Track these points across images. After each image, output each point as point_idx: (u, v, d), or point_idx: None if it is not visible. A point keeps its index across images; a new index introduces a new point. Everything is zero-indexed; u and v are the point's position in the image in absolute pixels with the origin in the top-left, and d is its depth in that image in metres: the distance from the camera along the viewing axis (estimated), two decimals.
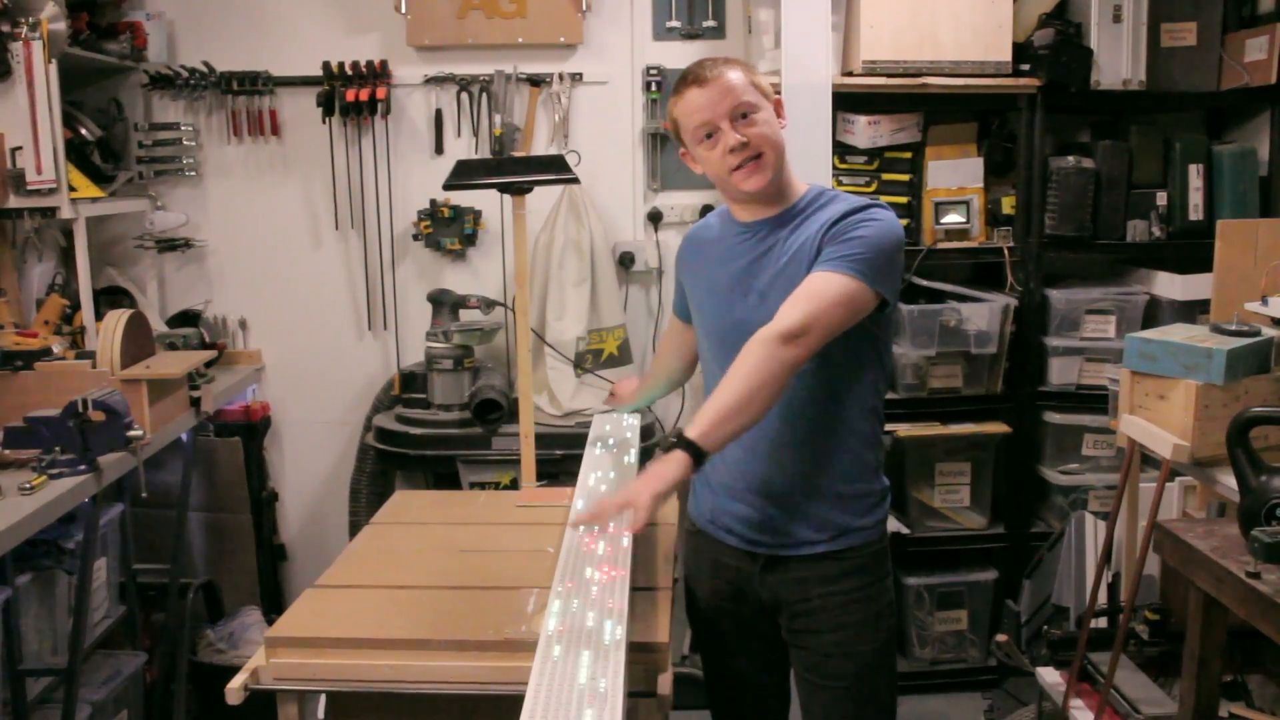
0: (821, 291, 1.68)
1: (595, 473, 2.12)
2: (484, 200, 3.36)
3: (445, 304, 3.26)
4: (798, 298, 1.69)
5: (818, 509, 1.84)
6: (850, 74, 3.10)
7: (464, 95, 3.39)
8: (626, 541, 1.71)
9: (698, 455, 1.62)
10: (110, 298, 3.28)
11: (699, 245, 1.98)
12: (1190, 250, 3.15)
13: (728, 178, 1.80)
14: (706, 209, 3.29)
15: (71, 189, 2.82)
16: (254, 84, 3.34)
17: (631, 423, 2.41)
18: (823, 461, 1.82)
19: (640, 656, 1.69)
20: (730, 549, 1.91)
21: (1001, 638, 3.02)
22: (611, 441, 2.30)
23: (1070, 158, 3.18)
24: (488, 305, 3.28)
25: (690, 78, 1.80)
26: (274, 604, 3.40)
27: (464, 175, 2.50)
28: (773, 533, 1.85)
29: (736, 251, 1.87)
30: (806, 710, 1.95)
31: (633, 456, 2.23)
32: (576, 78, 3.39)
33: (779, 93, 2.07)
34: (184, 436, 2.93)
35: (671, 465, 1.62)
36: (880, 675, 1.91)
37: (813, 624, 1.87)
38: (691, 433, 1.63)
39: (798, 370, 1.68)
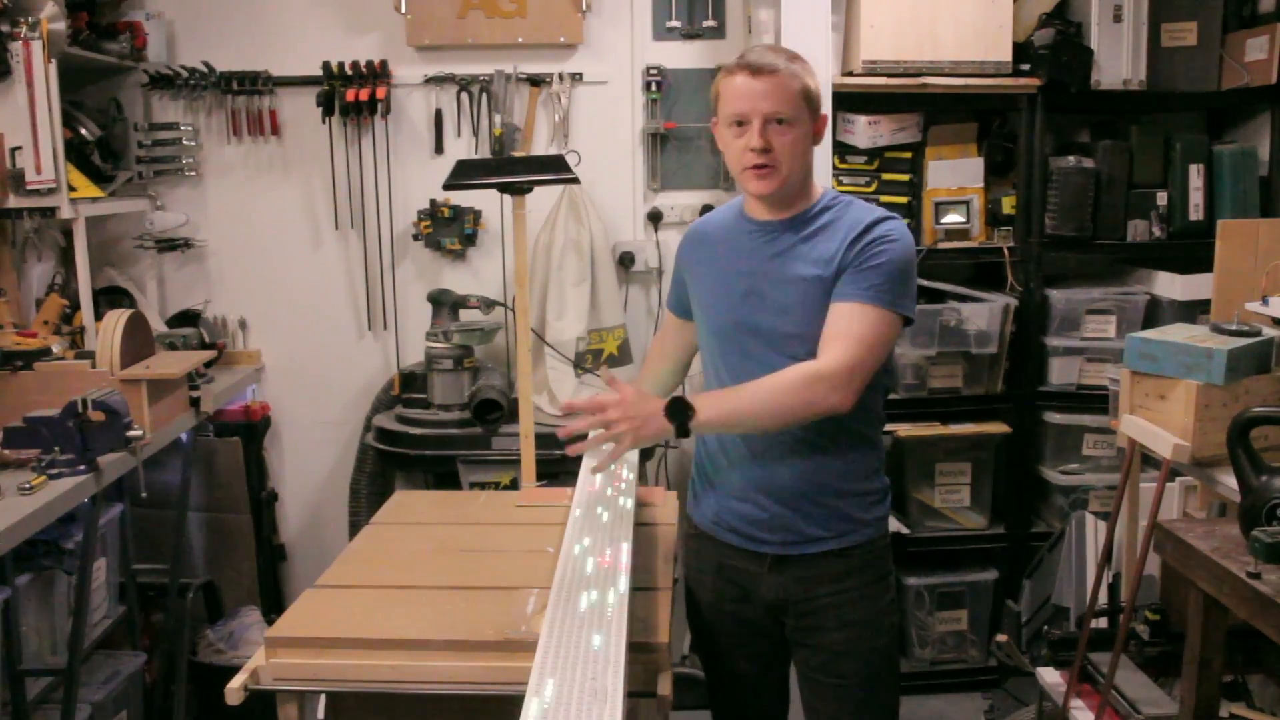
0: (862, 333, 1.72)
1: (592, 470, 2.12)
2: (484, 200, 3.36)
3: (445, 304, 3.26)
4: (840, 337, 1.72)
5: (823, 507, 1.85)
6: (850, 74, 3.10)
7: (464, 95, 3.38)
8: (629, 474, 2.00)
9: (684, 432, 1.72)
10: (110, 298, 3.27)
11: (704, 240, 1.98)
12: (1190, 250, 3.14)
13: (740, 172, 1.81)
14: (706, 209, 3.29)
15: (71, 189, 2.82)
16: (254, 84, 3.34)
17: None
18: (827, 462, 1.83)
19: (640, 656, 1.69)
20: (735, 550, 1.91)
21: (1002, 638, 3.02)
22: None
23: (1070, 158, 3.18)
24: (488, 305, 3.28)
25: (747, 63, 1.77)
26: (274, 604, 3.40)
27: (464, 175, 2.49)
28: (779, 531, 1.86)
29: (746, 249, 1.87)
30: (811, 710, 1.95)
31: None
32: (576, 78, 3.39)
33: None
34: (184, 436, 2.92)
35: (659, 427, 1.71)
36: (886, 672, 1.92)
37: (820, 622, 1.87)
38: (695, 413, 1.70)
39: (825, 416, 1.73)
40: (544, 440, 2.50)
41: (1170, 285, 3.18)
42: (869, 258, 1.75)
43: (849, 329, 1.73)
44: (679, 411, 1.69)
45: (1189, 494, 2.72)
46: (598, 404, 1.72)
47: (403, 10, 3.30)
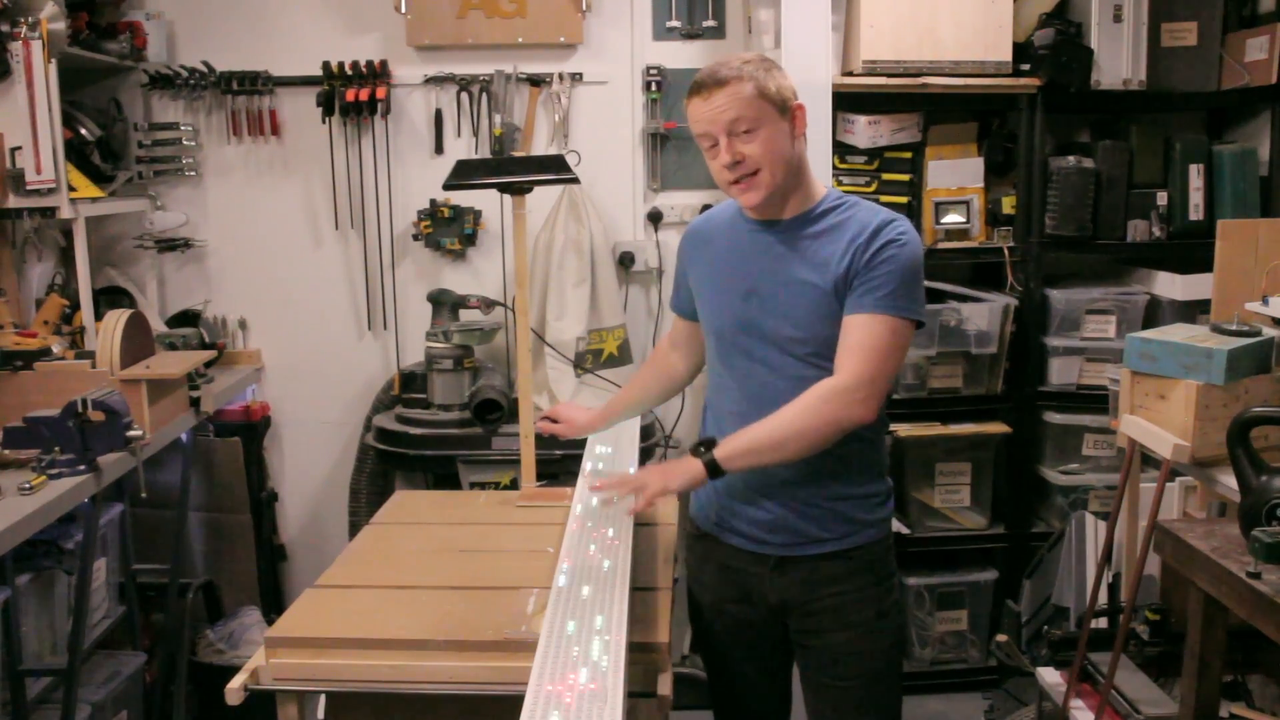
0: (876, 343, 1.73)
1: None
2: (484, 200, 3.36)
3: (445, 304, 3.26)
4: (855, 350, 1.73)
5: (826, 509, 1.84)
6: (850, 74, 3.10)
7: (464, 95, 3.38)
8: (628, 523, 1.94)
9: (714, 471, 1.73)
10: (110, 298, 3.27)
11: (705, 238, 1.97)
12: (1190, 250, 3.14)
13: (727, 188, 1.82)
14: (706, 209, 3.27)
15: (71, 189, 2.82)
16: (254, 84, 3.34)
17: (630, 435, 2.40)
18: (831, 463, 1.82)
19: (640, 656, 1.69)
20: (738, 551, 1.91)
21: (1002, 638, 3.02)
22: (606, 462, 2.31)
23: (1070, 158, 3.18)
24: (488, 305, 3.28)
25: (696, 85, 1.78)
26: (274, 604, 3.40)
27: (464, 175, 2.50)
28: (782, 533, 1.86)
29: (747, 249, 1.86)
30: (813, 710, 1.95)
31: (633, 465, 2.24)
32: (576, 78, 3.39)
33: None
34: (184, 436, 2.93)
35: (686, 471, 1.76)
36: (888, 673, 1.93)
37: (822, 624, 1.87)
38: (719, 451, 1.74)
39: (851, 430, 1.74)
40: (544, 440, 2.50)
41: (1170, 285, 3.17)
42: (879, 265, 1.75)
43: (863, 341, 1.73)
44: (699, 447, 1.76)
45: (1189, 494, 2.71)
46: (617, 478, 1.88)
47: (403, 10, 3.30)
